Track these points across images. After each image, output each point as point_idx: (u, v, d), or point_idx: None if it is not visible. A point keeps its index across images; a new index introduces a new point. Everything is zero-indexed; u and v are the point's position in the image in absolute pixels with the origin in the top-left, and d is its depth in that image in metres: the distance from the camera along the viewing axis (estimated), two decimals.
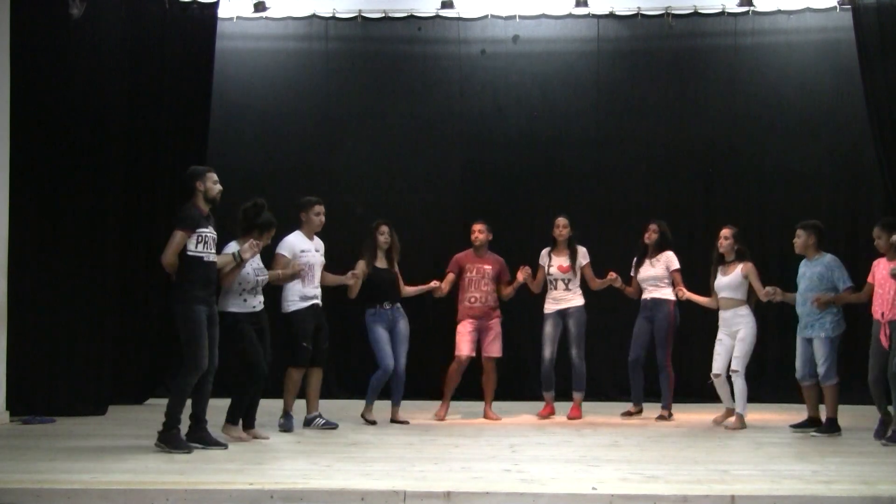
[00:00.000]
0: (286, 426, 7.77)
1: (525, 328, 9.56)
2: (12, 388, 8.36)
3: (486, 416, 8.63)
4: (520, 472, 5.95)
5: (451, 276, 8.74)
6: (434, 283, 8.62)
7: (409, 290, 8.60)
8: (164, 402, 6.80)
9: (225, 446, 6.82)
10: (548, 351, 8.73)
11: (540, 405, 8.82)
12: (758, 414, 8.83)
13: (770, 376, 9.51)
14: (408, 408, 8.79)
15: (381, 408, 8.36)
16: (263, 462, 6.39)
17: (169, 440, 6.60)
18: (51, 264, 8.64)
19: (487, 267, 8.69)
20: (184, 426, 6.78)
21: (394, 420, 8.35)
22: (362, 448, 6.97)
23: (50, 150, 8.70)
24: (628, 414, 8.73)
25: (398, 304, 8.42)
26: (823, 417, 7.86)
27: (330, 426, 7.88)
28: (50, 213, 8.69)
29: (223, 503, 5.36)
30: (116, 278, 9.01)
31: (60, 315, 8.64)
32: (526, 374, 9.84)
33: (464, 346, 8.59)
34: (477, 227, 8.75)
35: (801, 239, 7.90)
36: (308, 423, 7.93)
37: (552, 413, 8.72)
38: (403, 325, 8.40)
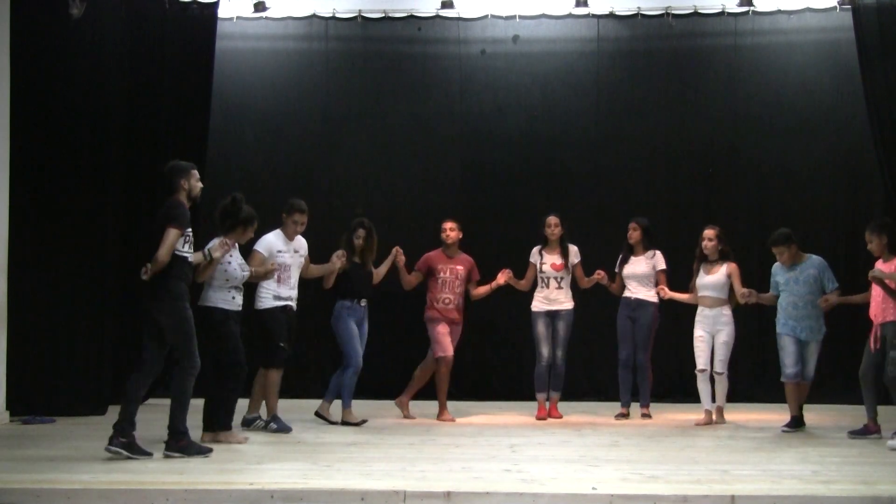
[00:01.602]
0: (280, 428, 7.70)
1: (524, 329, 9.54)
2: (12, 388, 8.36)
3: (439, 417, 8.60)
4: (520, 472, 5.95)
5: (418, 274, 8.72)
6: (395, 249, 8.53)
7: (380, 271, 8.53)
8: (165, 402, 6.73)
9: (209, 450, 6.63)
10: (545, 351, 8.72)
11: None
12: (758, 414, 8.85)
13: (770, 376, 9.48)
14: (409, 407, 8.79)
15: (355, 406, 8.30)
16: (263, 462, 6.40)
17: (185, 449, 6.45)
18: (51, 264, 8.64)
19: (460, 268, 8.71)
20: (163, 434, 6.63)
21: (345, 422, 8.17)
22: (362, 448, 6.97)
23: (50, 150, 8.70)
24: (622, 416, 8.71)
25: (366, 304, 8.40)
26: (791, 416, 8.04)
27: (279, 429, 7.70)
28: (50, 213, 8.68)
29: (223, 503, 5.36)
30: (116, 278, 8.99)
31: (60, 315, 8.64)
32: (525, 374, 9.81)
33: (448, 346, 8.60)
34: (448, 224, 8.74)
35: (784, 255, 8.00)
36: (247, 423, 7.79)
37: (546, 415, 8.70)
38: (366, 326, 8.38)
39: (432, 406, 8.77)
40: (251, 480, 5.62)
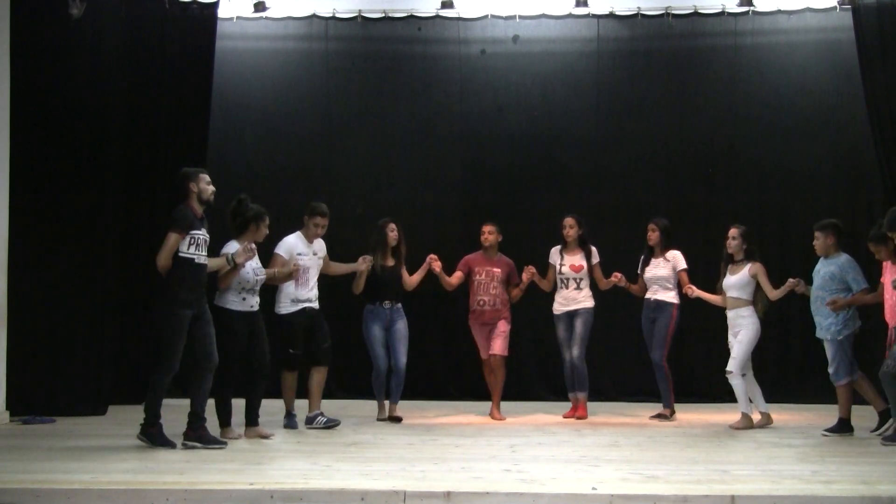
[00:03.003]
0: (289, 425, 7.84)
1: (529, 329, 9.57)
2: (12, 388, 8.36)
3: (491, 416, 8.62)
4: (520, 472, 5.95)
5: (459, 274, 8.75)
6: (430, 257, 8.55)
7: (413, 279, 8.58)
8: (179, 400, 6.84)
9: (224, 444, 6.85)
10: (567, 354, 8.71)
11: (542, 405, 8.80)
12: (758, 414, 8.82)
13: (770, 376, 9.49)
14: (408, 408, 8.80)
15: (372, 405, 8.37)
16: (263, 462, 6.40)
17: (152, 436, 6.72)
18: (51, 264, 8.64)
19: (497, 270, 8.69)
20: (182, 424, 6.82)
21: (390, 416, 8.37)
22: (362, 448, 6.97)
23: (50, 151, 8.70)
24: (660, 416, 8.61)
25: (399, 305, 8.43)
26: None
27: (332, 423, 7.87)
28: (50, 213, 8.69)
29: (223, 503, 5.36)
30: (116, 278, 9.00)
31: (60, 315, 8.64)
32: (527, 374, 9.84)
33: (482, 349, 8.69)
34: (487, 227, 8.75)
35: (819, 241, 7.86)
36: (309, 421, 7.93)
37: (573, 415, 8.66)
38: (402, 325, 8.40)
39: (433, 407, 8.77)
40: (251, 480, 5.62)
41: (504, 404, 8.81)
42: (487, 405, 8.72)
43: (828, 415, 7.91)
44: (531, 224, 9.84)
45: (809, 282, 7.96)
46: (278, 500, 5.34)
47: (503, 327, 8.66)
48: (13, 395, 8.36)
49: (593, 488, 5.45)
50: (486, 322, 8.64)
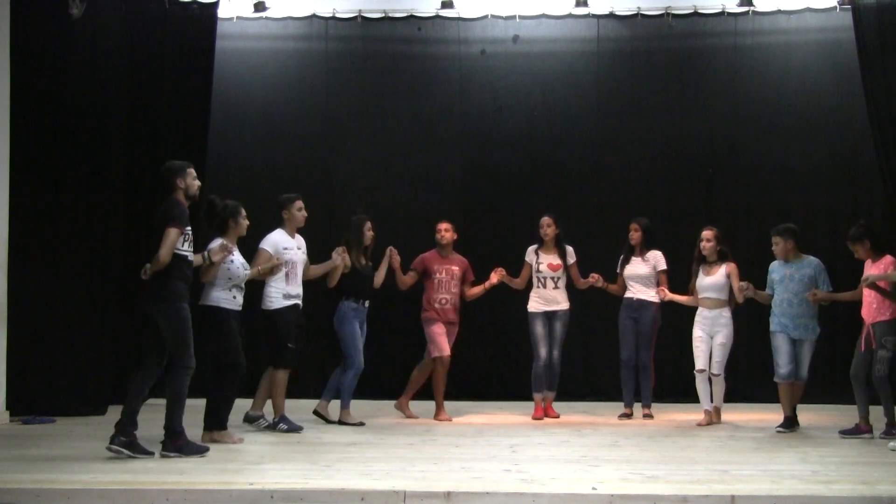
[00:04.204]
0: (290, 428, 7.70)
1: (523, 329, 9.52)
2: (12, 388, 8.37)
3: (437, 418, 8.55)
4: (520, 472, 5.95)
5: (413, 275, 8.72)
6: (389, 249, 8.51)
7: (379, 274, 8.51)
8: (163, 402, 6.72)
9: (206, 449, 6.64)
10: (543, 351, 8.71)
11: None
12: (757, 414, 8.85)
13: (770, 377, 9.48)
14: (409, 407, 8.78)
15: (355, 406, 8.31)
16: (263, 462, 6.40)
17: (182, 448, 6.42)
18: (51, 264, 8.65)
19: (455, 268, 8.72)
20: (160, 424, 6.60)
21: (342, 420, 8.17)
22: (362, 448, 6.97)
23: (50, 150, 8.71)
24: (625, 416, 8.72)
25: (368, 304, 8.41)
26: (783, 416, 8.00)
27: (289, 429, 7.71)
28: (50, 213, 8.69)
29: (223, 503, 5.36)
30: (116, 278, 9.00)
31: (60, 315, 8.65)
32: (525, 374, 9.80)
33: (444, 346, 8.59)
34: (443, 225, 8.75)
35: (779, 246, 8.00)
36: (250, 420, 7.85)
37: (544, 415, 8.69)
38: (365, 326, 8.37)
39: (431, 407, 8.77)
40: (251, 480, 5.62)
41: (504, 404, 8.84)
42: (489, 405, 8.77)
43: (827, 415, 7.94)
44: (531, 224, 9.80)
45: (760, 287, 8.09)
46: (278, 500, 5.34)
47: (454, 331, 8.73)
48: (13, 395, 8.36)
49: (593, 488, 5.46)
50: (450, 320, 8.64)
